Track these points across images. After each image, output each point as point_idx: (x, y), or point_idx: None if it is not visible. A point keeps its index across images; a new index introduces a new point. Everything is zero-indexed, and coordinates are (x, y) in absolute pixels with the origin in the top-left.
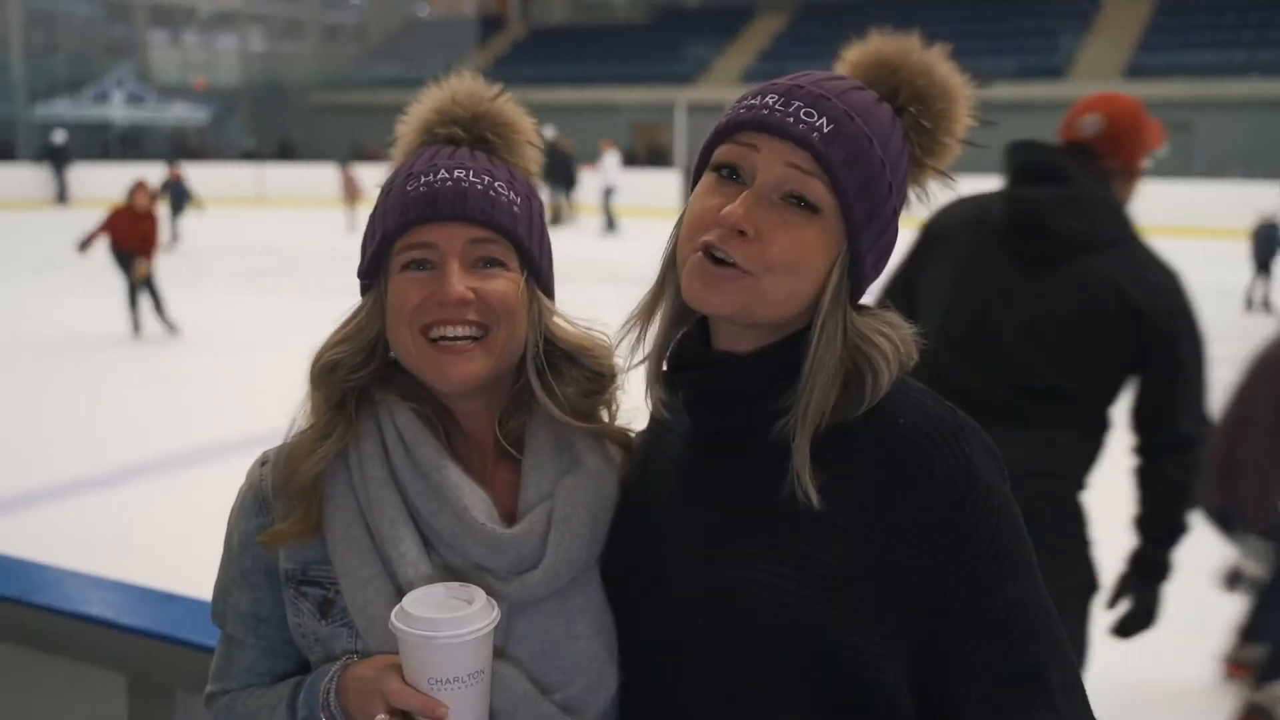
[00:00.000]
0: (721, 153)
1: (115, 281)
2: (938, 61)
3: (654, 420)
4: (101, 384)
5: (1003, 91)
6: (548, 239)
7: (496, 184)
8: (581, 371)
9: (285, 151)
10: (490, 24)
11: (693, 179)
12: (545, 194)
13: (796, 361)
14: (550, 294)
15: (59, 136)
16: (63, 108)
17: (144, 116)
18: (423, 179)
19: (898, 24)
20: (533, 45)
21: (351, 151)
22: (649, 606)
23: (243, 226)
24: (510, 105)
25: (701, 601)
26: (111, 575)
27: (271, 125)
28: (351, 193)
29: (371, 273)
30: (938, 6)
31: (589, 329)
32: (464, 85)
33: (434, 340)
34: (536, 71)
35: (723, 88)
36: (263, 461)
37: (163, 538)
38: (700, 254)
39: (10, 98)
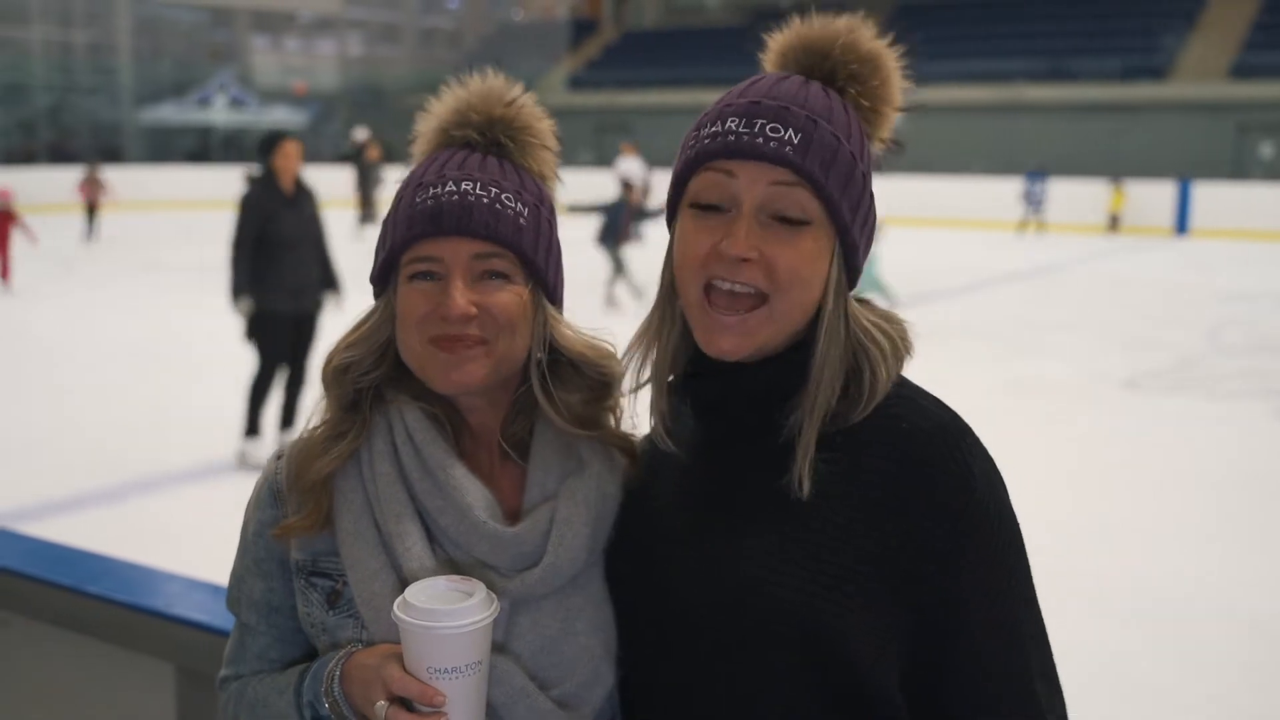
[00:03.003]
0: (697, 184)
1: (213, 280)
2: (864, 38)
3: (657, 430)
4: (173, 383)
5: (1104, 92)
6: (556, 245)
7: (503, 195)
8: (585, 380)
9: (383, 154)
10: (583, 27)
11: (669, 214)
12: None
13: (802, 364)
14: (557, 301)
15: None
16: (168, 112)
17: (245, 120)
18: (430, 191)
19: (993, 24)
20: (625, 48)
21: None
22: (657, 607)
23: (341, 228)
24: (527, 109)
25: (711, 601)
26: (164, 568)
27: (369, 128)
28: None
29: (383, 280)
30: (1036, 6)
31: (595, 336)
32: (481, 87)
33: (438, 344)
34: (628, 74)
35: None
36: (278, 455)
37: (214, 532)
38: (705, 299)
39: (119, 102)
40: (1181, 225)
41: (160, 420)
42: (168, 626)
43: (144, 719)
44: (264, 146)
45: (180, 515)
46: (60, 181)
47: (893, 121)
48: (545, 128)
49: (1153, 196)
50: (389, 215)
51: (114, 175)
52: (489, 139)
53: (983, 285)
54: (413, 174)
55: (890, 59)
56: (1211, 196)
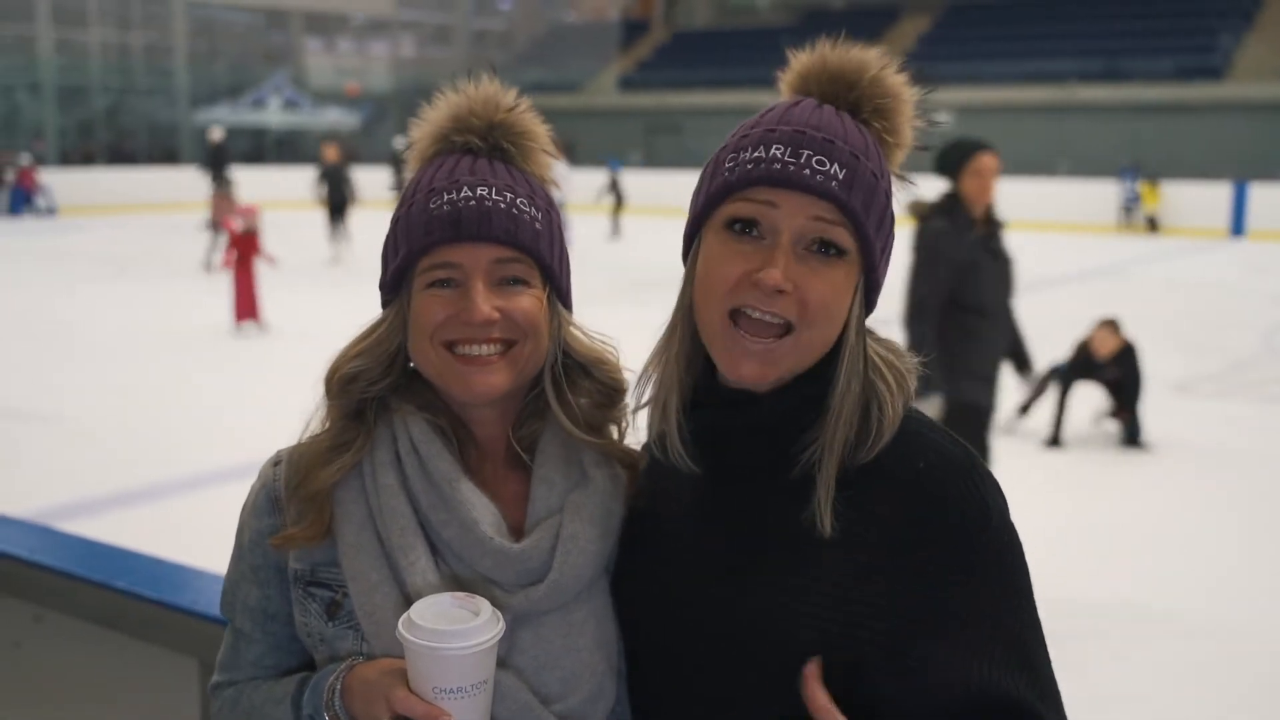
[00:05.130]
0: (734, 209)
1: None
2: (889, 73)
3: (656, 455)
4: (213, 381)
5: (1159, 92)
6: (566, 250)
7: (519, 201)
8: (594, 384)
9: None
10: (634, 28)
11: (690, 228)
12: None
13: (816, 398)
14: (568, 305)
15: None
16: (222, 113)
17: (299, 121)
18: (445, 196)
19: (1046, 24)
20: (675, 48)
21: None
22: (666, 635)
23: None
24: (527, 114)
25: (723, 634)
26: (194, 564)
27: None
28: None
29: (394, 287)
30: (1090, 5)
31: (602, 341)
32: (480, 92)
33: (458, 355)
34: (679, 75)
35: None
36: (276, 461)
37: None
38: (729, 323)
39: (175, 103)
40: (1237, 227)
41: (200, 419)
42: (193, 622)
43: (168, 713)
44: (951, 158)
45: (215, 513)
46: (117, 182)
47: (903, 157)
48: (544, 132)
49: (1208, 198)
50: (398, 221)
51: (171, 177)
52: (490, 144)
53: (1033, 287)
54: (419, 179)
55: (909, 97)
56: (1269, 198)
